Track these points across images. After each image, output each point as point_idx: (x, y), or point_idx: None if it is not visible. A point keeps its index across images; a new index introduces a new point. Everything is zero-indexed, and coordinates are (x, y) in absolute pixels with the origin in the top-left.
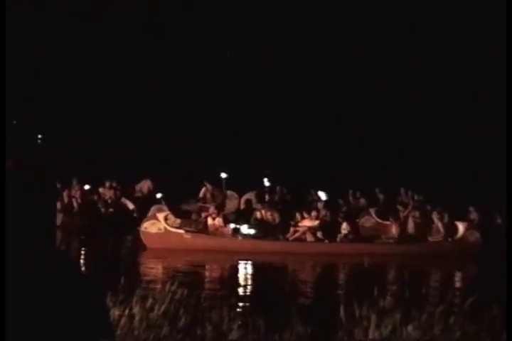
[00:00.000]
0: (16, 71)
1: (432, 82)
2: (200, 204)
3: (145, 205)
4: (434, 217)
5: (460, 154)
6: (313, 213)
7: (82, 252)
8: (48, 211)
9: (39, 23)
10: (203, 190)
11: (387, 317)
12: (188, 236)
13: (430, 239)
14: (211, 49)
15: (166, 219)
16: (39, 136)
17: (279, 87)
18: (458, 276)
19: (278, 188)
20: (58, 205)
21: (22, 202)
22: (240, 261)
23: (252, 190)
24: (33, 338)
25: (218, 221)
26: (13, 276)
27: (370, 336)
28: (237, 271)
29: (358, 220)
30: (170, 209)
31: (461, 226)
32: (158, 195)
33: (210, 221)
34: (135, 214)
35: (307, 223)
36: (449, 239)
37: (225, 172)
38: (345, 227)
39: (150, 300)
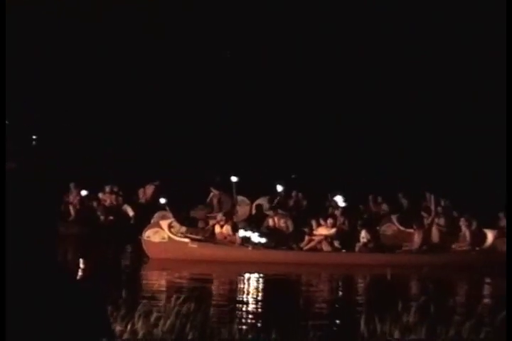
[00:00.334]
0: (15, 71)
1: (432, 82)
2: (207, 210)
3: (148, 212)
4: (462, 223)
5: (481, 156)
6: (330, 220)
7: (80, 264)
8: (49, 213)
9: (39, 23)
10: (211, 195)
11: (411, 334)
12: (193, 245)
13: (456, 248)
14: (211, 49)
15: (170, 227)
16: (34, 137)
17: (279, 87)
18: (487, 288)
19: (293, 193)
20: None
21: (22, 203)
22: (250, 273)
23: (265, 196)
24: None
25: (226, 229)
26: (12, 278)
27: None
28: (247, 283)
29: (378, 228)
30: (175, 216)
31: (490, 234)
32: (163, 201)
33: (217, 229)
34: (132, 222)
35: (323, 231)
36: (477, 248)
37: (236, 175)
38: (364, 235)
39: (154, 315)
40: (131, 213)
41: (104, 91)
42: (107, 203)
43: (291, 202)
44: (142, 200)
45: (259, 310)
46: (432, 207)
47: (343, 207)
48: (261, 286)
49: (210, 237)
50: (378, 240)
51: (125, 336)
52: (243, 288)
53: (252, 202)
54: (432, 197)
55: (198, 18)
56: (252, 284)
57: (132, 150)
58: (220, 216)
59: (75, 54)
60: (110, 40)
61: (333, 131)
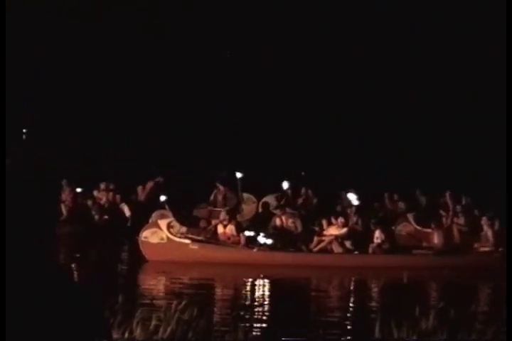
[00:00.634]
0: (15, 71)
1: (432, 82)
2: (209, 208)
3: (147, 210)
4: (483, 223)
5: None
6: (341, 219)
7: (73, 266)
8: (48, 211)
9: (39, 23)
10: (215, 192)
11: None
12: (194, 246)
13: (478, 248)
14: (211, 49)
15: (169, 226)
16: (24, 131)
17: (279, 87)
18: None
19: (302, 191)
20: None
21: (21, 202)
22: (255, 277)
23: (273, 193)
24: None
25: (230, 229)
26: (11, 277)
27: None
28: (252, 288)
29: (393, 227)
30: (174, 216)
31: None
32: (162, 198)
33: (220, 229)
34: (129, 224)
35: (333, 231)
36: (500, 249)
37: (241, 171)
38: (378, 236)
39: (153, 322)
40: (128, 213)
41: (104, 91)
42: (103, 201)
43: (300, 200)
44: (141, 198)
45: (265, 317)
46: (451, 205)
47: (357, 206)
48: (267, 291)
49: (213, 238)
50: (393, 240)
51: None
52: (248, 292)
53: (258, 200)
54: (450, 194)
55: (198, 18)
56: (257, 289)
57: (132, 150)
58: (223, 214)
59: (75, 54)
60: (110, 40)
61: (341, 129)
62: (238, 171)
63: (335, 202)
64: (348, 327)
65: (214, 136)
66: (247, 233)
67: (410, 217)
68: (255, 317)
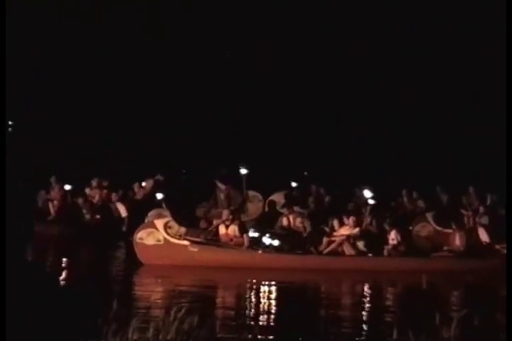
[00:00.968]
0: (16, 71)
1: (432, 82)
2: (211, 208)
3: (144, 210)
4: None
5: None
6: (352, 218)
7: (61, 270)
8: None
9: (39, 23)
10: (217, 190)
11: None
12: (194, 248)
13: (503, 251)
14: (211, 49)
15: (166, 227)
16: (10, 123)
17: (279, 87)
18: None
19: (313, 188)
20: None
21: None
22: (260, 281)
23: (281, 190)
24: None
25: (233, 229)
26: None
27: None
28: (257, 293)
29: (411, 228)
30: (173, 215)
31: None
32: (159, 196)
33: (222, 229)
34: (124, 228)
35: (345, 231)
36: None
37: (246, 167)
38: (394, 236)
39: (150, 331)
40: (123, 213)
41: (104, 91)
42: (96, 200)
43: (310, 199)
44: (138, 196)
45: (271, 325)
46: (475, 204)
47: (372, 204)
48: (273, 297)
49: (214, 239)
50: (411, 242)
51: None
52: (252, 299)
53: (265, 198)
54: (474, 191)
55: (198, 18)
56: (262, 295)
57: (129, 148)
58: (225, 214)
59: (75, 54)
60: (110, 40)
61: (356, 125)
62: (243, 167)
63: (348, 201)
64: (362, 338)
65: (214, 135)
66: (252, 234)
67: (429, 216)
68: (260, 325)
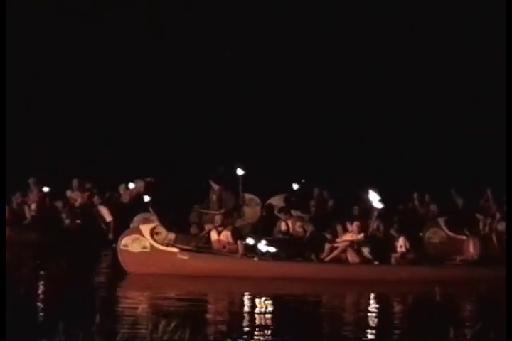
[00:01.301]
0: (16, 71)
1: (432, 82)
2: (202, 211)
3: (131, 214)
4: None
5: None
6: (356, 223)
7: (37, 280)
8: None
9: (39, 23)
10: (210, 192)
11: None
12: (184, 256)
13: None
14: (211, 49)
15: (153, 233)
16: None
17: (279, 87)
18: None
19: (315, 191)
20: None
21: None
22: (256, 292)
23: (280, 193)
24: None
25: (225, 235)
26: None
27: None
28: (252, 305)
29: (421, 234)
30: (160, 220)
31: None
32: (146, 199)
33: (214, 235)
34: (110, 235)
35: (348, 237)
36: None
37: (242, 168)
38: (402, 243)
39: None
40: (108, 217)
41: (104, 91)
42: (78, 203)
43: (312, 202)
44: (124, 199)
45: (270, 339)
46: (492, 208)
47: (380, 208)
48: (270, 311)
49: (205, 246)
50: (421, 249)
51: None
52: (247, 312)
53: (263, 202)
54: (491, 194)
55: (198, 18)
56: (258, 307)
57: (132, 150)
58: (218, 218)
59: (75, 54)
60: (110, 40)
61: (333, 130)
62: (239, 167)
63: (353, 204)
64: None
65: (214, 135)
66: (247, 240)
67: (441, 221)
68: (257, 339)
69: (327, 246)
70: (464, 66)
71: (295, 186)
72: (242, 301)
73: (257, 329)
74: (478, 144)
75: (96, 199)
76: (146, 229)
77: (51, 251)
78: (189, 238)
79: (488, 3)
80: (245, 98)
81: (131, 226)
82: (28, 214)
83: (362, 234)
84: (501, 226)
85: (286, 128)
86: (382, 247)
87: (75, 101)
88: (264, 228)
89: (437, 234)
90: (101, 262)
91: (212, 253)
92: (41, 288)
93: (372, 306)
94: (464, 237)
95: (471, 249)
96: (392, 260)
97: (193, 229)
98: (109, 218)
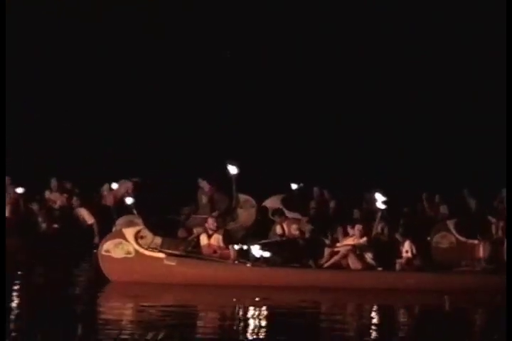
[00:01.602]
0: (16, 71)
1: (432, 82)
2: (191, 214)
3: (112, 216)
4: None
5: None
6: (358, 226)
7: (10, 290)
8: None
9: (39, 23)
10: (199, 192)
11: None
12: (171, 262)
13: None
14: (211, 49)
15: (138, 237)
16: None
17: (278, 87)
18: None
19: (315, 191)
20: None
21: None
22: (249, 301)
23: (278, 194)
24: None
25: (216, 239)
26: None
27: None
28: (245, 315)
29: (429, 238)
30: (145, 223)
31: None
32: (129, 201)
33: (204, 239)
34: (96, 239)
35: (350, 241)
36: None
37: (236, 167)
38: (407, 248)
39: None
40: (90, 220)
41: (104, 91)
42: (57, 205)
43: (312, 204)
44: (108, 202)
45: None
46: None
47: (383, 210)
48: (264, 320)
49: (195, 251)
50: (428, 255)
51: None
52: (240, 322)
53: (258, 204)
54: (507, 195)
55: (198, 18)
56: (251, 317)
57: (132, 150)
58: (210, 221)
59: (75, 54)
60: (110, 40)
61: (333, 130)
62: (233, 165)
63: (356, 206)
64: None
65: (213, 135)
66: (239, 245)
67: (451, 224)
68: None
69: (327, 250)
70: (463, 66)
71: (294, 186)
72: (234, 312)
73: (251, 339)
74: (493, 143)
75: (75, 200)
76: (129, 232)
77: (26, 257)
78: (177, 242)
79: (488, 3)
80: (245, 98)
81: (114, 229)
82: None
83: (364, 238)
84: None
85: (286, 127)
86: (386, 252)
87: (74, 101)
88: (258, 231)
89: (446, 238)
90: (81, 269)
91: (201, 259)
92: (16, 300)
93: (375, 317)
94: (476, 241)
95: (481, 254)
96: (397, 266)
97: (181, 233)
98: (90, 220)
